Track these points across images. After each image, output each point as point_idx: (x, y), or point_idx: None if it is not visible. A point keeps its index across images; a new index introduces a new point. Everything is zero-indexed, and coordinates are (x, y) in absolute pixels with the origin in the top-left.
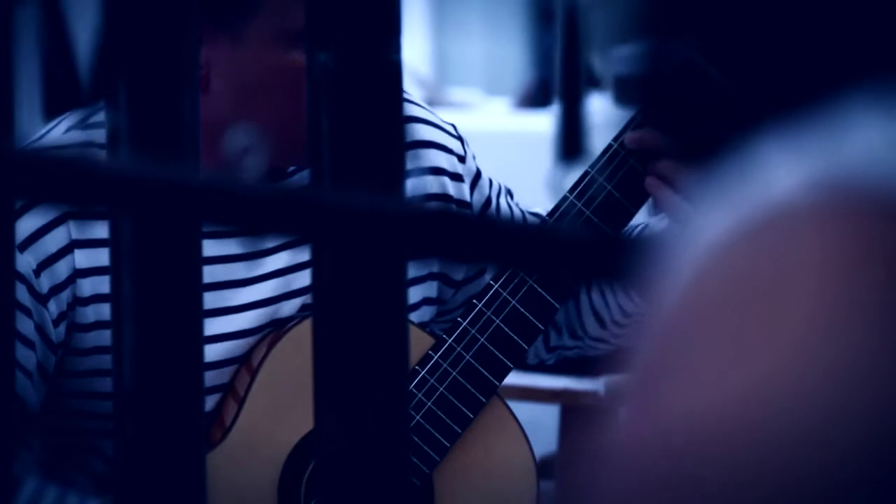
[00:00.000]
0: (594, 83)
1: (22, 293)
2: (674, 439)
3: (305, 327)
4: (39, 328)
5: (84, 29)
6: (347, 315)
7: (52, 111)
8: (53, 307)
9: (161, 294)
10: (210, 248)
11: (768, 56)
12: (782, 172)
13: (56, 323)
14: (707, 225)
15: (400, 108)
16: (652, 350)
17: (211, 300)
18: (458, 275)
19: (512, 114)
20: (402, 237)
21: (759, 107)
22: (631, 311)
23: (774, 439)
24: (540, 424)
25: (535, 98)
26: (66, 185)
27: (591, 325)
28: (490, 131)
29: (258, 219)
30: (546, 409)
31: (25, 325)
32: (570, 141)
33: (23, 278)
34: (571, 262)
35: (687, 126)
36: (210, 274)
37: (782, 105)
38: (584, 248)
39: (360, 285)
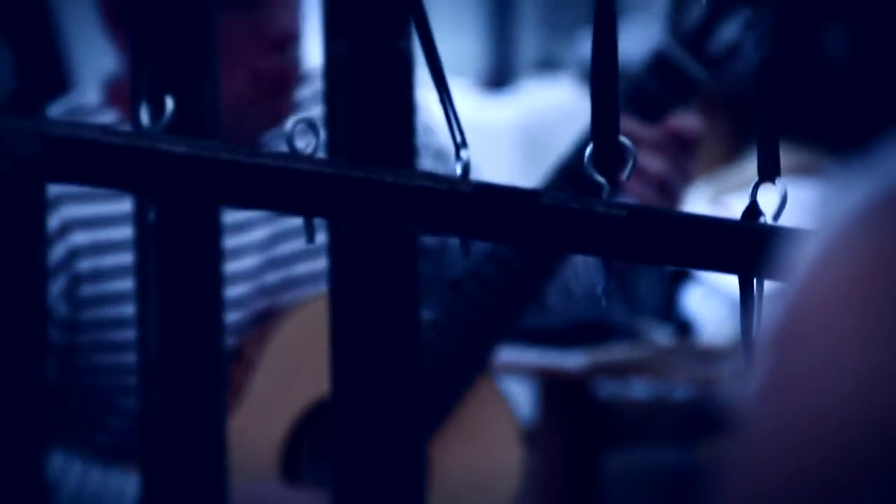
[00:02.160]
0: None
1: None
2: (803, 424)
3: (303, 316)
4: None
5: (75, 24)
6: (364, 292)
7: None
8: (55, 286)
9: (183, 269)
10: None
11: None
12: None
13: (60, 301)
14: (836, 203)
15: (412, 93)
16: (780, 328)
17: None
18: (427, 243)
19: (471, 96)
20: (419, 214)
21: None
22: (575, 290)
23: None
24: (517, 398)
25: (494, 81)
26: (101, 163)
27: (558, 299)
28: None
29: (276, 198)
30: (523, 382)
31: None
32: (599, 120)
33: None
34: (598, 238)
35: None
36: None
37: None
38: (610, 224)
39: (375, 260)
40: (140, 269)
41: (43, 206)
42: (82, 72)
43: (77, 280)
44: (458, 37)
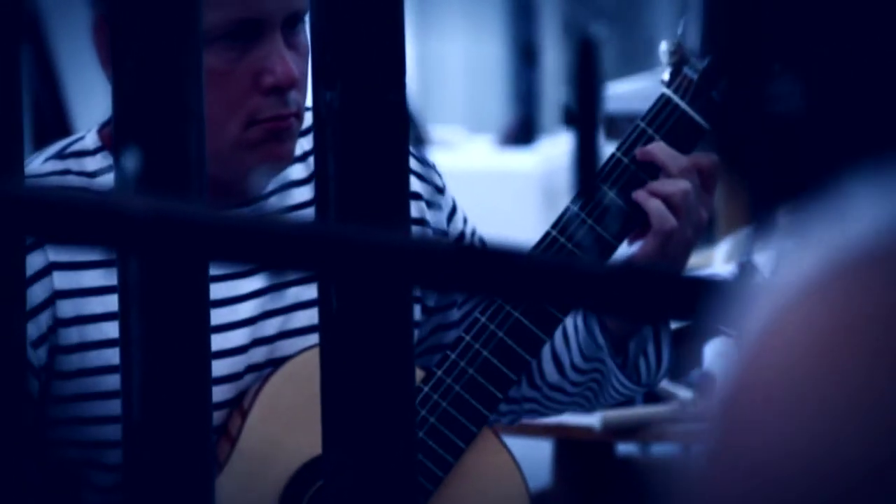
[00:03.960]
0: (598, 120)
1: None
2: (752, 489)
3: (295, 365)
4: None
5: (73, 68)
6: (355, 349)
7: (40, 147)
8: (32, 330)
9: (169, 331)
10: None
11: (856, 96)
12: (867, 213)
13: (35, 345)
14: (792, 264)
15: (405, 146)
16: (733, 389)
17: None
18: (430, 301)
19: (495, 152)
20: (410, 272)
21: (846, 145)
22: (591, 354)
23: (847, 488)
24: (533, 459)
25: (517, 136)
26: (75, 224)
27: (550, 370)
28: (473, 169)
29: (266, 255)
30: (539, 443)
31: None
32: (585, 175)
33: None
34: (582, 294)
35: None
36: None
37: (868, 144)
38: (594, 280)
39: (367, 320)
40: (122, 325)
41: (23, 260)
42: (81, 111)
43: (59, 324)
44: (483, 94)
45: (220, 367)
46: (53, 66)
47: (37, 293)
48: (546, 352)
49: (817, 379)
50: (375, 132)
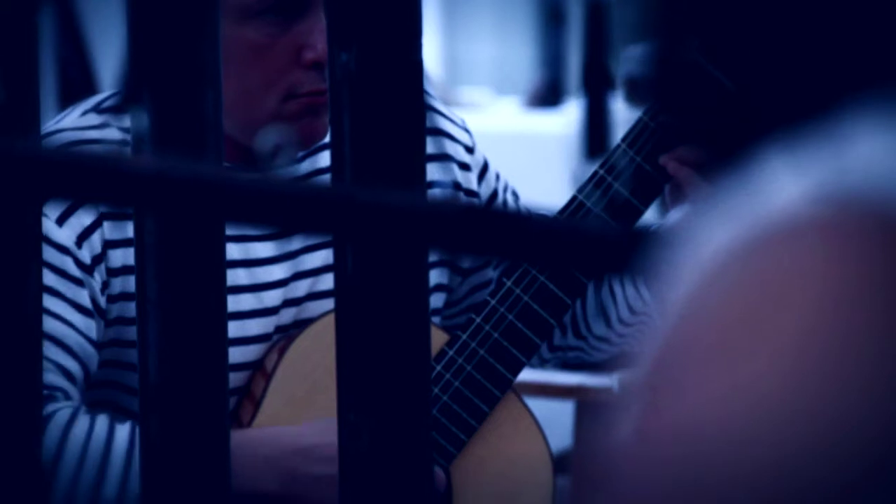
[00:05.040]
0: (608, 83)
1: (70, 265)
2: (677, 447)
3: (319, 327)
4: (93, 298)
5: (99, 30)
6: (370, 311)
7: (66, 107)
8: (98, 277)
9: (185, 291)
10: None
11: (774, 67)
12: (786, 184)
13: (102, 291)
14: (712, 236)
15: (421, 108)
16: (657, 359)
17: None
18: (465, 263)
19: (522, 113)
20: (424, 233)
21: (765, 116)
22: (639, 308)
23: (772, 448)
24: (555, 420)
25: (545, 97)
26: (92, 184)
27: (597, 323)
28: (500, 131)
29: (281, 216)
30: (561, 405)
31: (82, 296)
32: (594, 138)
33: (67, 251)
34: (594, 257)
35: (695, 130)
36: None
37: (787, 115)
38: (606, 243)
39: (383, 281)
40: (138, 284)
41: (38, 225)
42: (107, 71)
43: (109, 273)
44: (511, 56)
45: (253, 327)
46: (79, 26)
47: (94, 244)
48: (592, 306)
49: (745, 350)
50: (391, 94)
